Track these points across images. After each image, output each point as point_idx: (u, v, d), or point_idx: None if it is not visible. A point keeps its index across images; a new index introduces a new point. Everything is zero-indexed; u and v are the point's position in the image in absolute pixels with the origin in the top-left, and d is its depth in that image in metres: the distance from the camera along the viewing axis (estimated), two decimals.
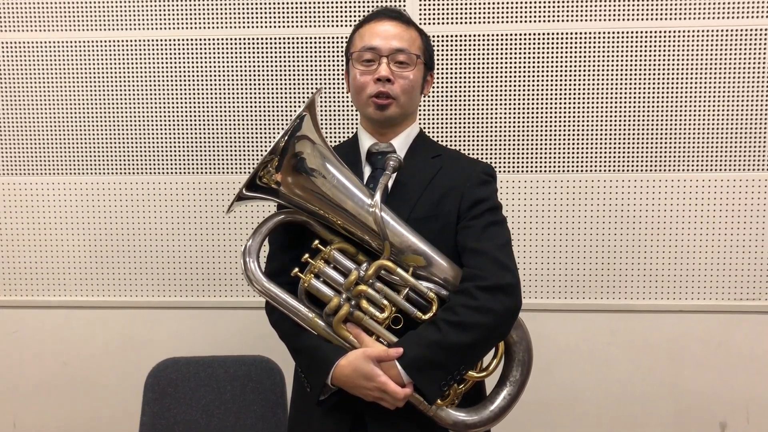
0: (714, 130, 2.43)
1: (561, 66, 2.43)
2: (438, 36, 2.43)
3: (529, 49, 2.43)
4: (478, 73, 2.45)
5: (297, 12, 2.45)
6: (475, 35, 2.43)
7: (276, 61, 2.48)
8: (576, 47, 2.42)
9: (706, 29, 2.39)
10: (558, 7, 2.40)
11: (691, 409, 2.53)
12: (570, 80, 2.43)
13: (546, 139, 2.46)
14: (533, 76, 2.44)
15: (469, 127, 2.47)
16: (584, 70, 2.43)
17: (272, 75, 2.48)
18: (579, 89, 2.44)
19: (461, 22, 2.43)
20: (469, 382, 1.59)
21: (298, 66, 2.47)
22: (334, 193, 1.53)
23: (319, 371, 1.52)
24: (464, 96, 2.46)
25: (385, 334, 1.52)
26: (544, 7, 2.40)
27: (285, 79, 2.48)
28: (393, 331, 1.54)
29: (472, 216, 1.61)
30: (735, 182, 2.44)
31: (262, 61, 2.48)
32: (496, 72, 2.44)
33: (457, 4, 2.42)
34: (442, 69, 2.45)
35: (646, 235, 2.47)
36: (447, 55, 2.44)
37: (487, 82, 2.45)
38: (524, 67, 2.44)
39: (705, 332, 2.50)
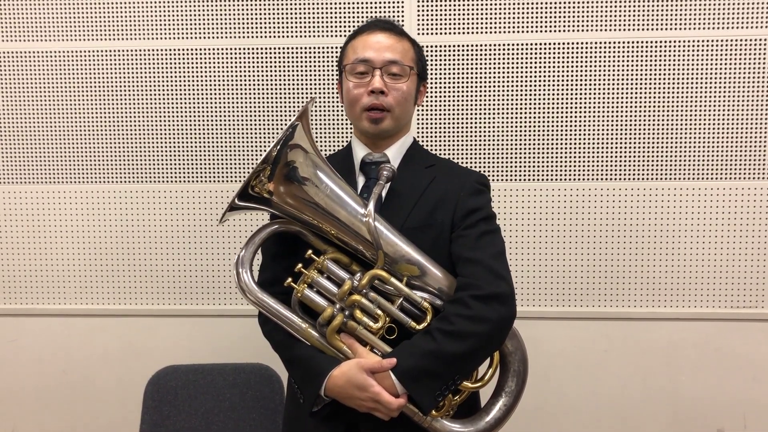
0: (709, 139, 2.43)
1: (558, 75, 2.43)
2: (436, 46, 2.44)
3: (527, 58, 2.43)
4: (476, 82, 2.45)
5: (291, 22, 2.46)
6: (473, 45, 2.44)
7: (271, 71, 2.48)
8: (573, 57, 2.42)
9: (703, 39, 2.39)
10: (555, 17, 2.41)
11: (689, 415, 2.52)
12: (567, 89, 2.44)
13: (542, 148, 2.46)
14: (530, 86, 2.44)
15: (466, 136, 2.47)
16: (581, 80, 2.43)
17: (267, 84, 2.49)
18: (575, 98, 2.44)
19: (459, 32, 2.43)
20: (464, 393, 1.57)
21: (294, 76, 2.48)
22: (327, 203, 1.53)
23: (312, 382, 1.52)
24: (461, 105, 2.46)
25: (379, 344, 1.52)
26: (542, 17, 2.41)
27: (280, 89, 2.49)
28: (387, 341, 1.53)
29: (466, 225, 1.61)
30: (731, 190, 2.44)
31: (258, 71, 2.49)
32: (494, 81, 2.45)
33: (455, 15, 2.43)
34: (440, 78, 2.46)
35: (643, 243, 2.47)
36: (445, 64, 2.45)
37: (485, 91, 2.45)
38: (521, 76, 2.44)
39: (702, 339, 2.49)
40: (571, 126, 2.45)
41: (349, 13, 2.44)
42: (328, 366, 1.51)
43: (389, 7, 2.43)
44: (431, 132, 2.48)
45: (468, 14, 2.43)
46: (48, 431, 2.66)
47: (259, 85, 2.50)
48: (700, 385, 2.51)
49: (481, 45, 2.44)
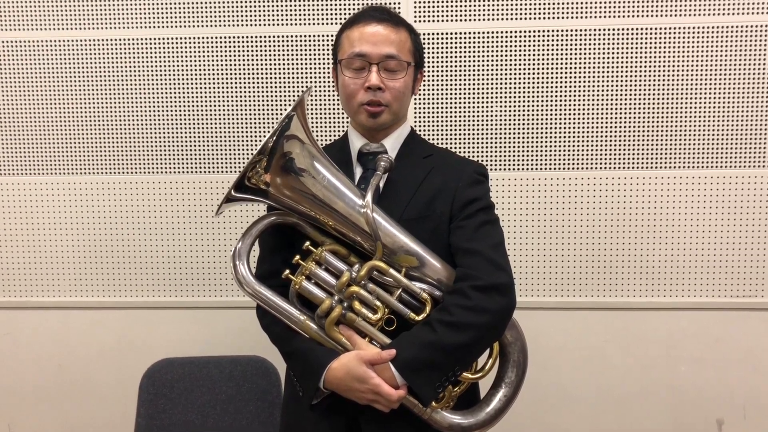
0: (708, 127, 2.42)
1: (556, 63, 2.42)
2: (433, 33, 2.42)
3: (525, 46, 2.42)
4: (474, 70, 2.44)
5: (287, 10, 2.44)
6: (470, 33, 2.42)
7: (267, 60, 2.47)
8: (572, 44, 2.41)
9: (702, 26, 2.38)
10: (553, 4, 2.39)
11: (688, 406, 2.53)
12: (565, 77, 2.42)
13: (540, 137, 2.45)
14: (528, 74, 2.43)
15: (464, 125, 2.46)
16: (579, 68, 2.42)
17: (263, 73, 2.47)
18: (574, 86, 2.43)
19: (456, 20, 2.42)
20: (464, 384, 1.57)
21: (290, 64, 2.46)
22: (325, 194, 1.52)
23: (311, 375, 1.51)
24: (459, 94, 2.45)
25: (378, 336, 1.51)
26: (541, 4, 2.39)
27: (279, 78, 2.47)
28: (386, 332, 1.52)
29: (464, 216, 1.60)
30: (731, 179, 2.43)
31: (253, 60, 2.47)
32: (491, 69, 2.43)
33: (452, 2, 2.41)
34: (437, 67, 2.44)
35: (642, 233, 2.47)
36: (442, 52, 2.43)
37: (483, 79, 2.44)
38: (519, 64, 2.43)
39: (702, 329, 2.49)
40: (569, 115, 2.44)
41: (345, 0, 2.42)
42: (327, 358, 1.50)
43: None
44: (429, 121, 2.47)
45: (465, 1, 2.40)
46: (44, 425, 2.65)
47: (254, 74, 2.47)
48: (699, 376, 2.51)
49: (478, 32, 2.42)
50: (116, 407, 2.60)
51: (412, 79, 1.68)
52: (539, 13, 2.40)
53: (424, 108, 2.46)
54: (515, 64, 2.43)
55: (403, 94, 1.65)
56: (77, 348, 2.61)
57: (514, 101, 2.44)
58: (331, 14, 2.43)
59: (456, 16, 2.42)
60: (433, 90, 2.45)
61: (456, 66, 2.44)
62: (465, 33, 2.42)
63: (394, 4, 2.40)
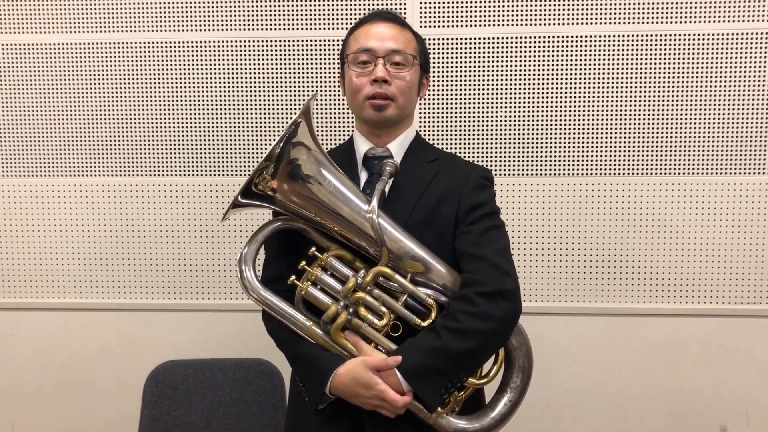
0: (712, 134, 2.42)
1: (561, 69, 2.42)
2: (438, 39, 2.42)
3: (530, 52, 2.42)
4: (479, 75, 2.44)
5: (294, 15, 2.44)
6: (475, 38, 2.42)
7: (274, 64, 2.47)
8: (576, 50, 2.40)
9: (705, 33, 2.38)
10: (558, 10, 2.39)
11: (691, 412, 2.52)
12: (570, 83, 2.42)
13: (545, 143, 2.45)
14: (533, 79, 2.43)
15: (469, 130, 2.46)
16: (584, 74, 2.42)
17: (269, 77, 2.47)
18: (578, 92, 2.42)
19: (462, 25, 2.42)
20: (470, 389, 1.57)
21: (296, 69, 2.46)
22: (330, 200, 1.52)
23: (317, 380, 1.51)
24: (464, 98, 2.45)
25: (384, 342, 1.51)
26: (544, 10, 2.39)
27: (282, 82, 2.47)
28: (392, 338, 1.52)
29: (470, 221, 1.60)
30: (734, 186, 2.43)
31: (260, 64, 2.47)
32: (497, 75, 2.43)
33: (457, 7, 2.41)
34: (443, 72, 2.44)
35: (645, 239, 2.46)
36: (448, 57, 2.43)
37: (488, 84, 2.44)
38: (524, 70, 2.43)
39: (705, 335, 2.49)
40: (575, 120, 2.44)
41: (351, 5, 2.42)
42: (333, 364, 1.50)
43: None
44: (434, 126, 2.47)
45: (471, 6, 2.41)
46: (47, 426, 2.65)
47: (260, 78, 2.47)
48: (703, 382, 2.51)
49: (484, 38, 2.42)
50: (119, 408, 2.61)
51: (418, 76, 1.68)
52: (545, 19, 2.40)
53: (430, 112, 2.46)
54: (521, 70, 2.43)
55: (409, 89, 1.65)
56: (80, 349, 2.61)
57: (520, 106, 2.44)
58: (338, 19, 2.43)
59: (461, 21, 2.42)
60: (438, 94, 2.45)
61: (461, 71, 2.44)
62: (471, 38, 2.42)
63: (400, 7, 2.41)
